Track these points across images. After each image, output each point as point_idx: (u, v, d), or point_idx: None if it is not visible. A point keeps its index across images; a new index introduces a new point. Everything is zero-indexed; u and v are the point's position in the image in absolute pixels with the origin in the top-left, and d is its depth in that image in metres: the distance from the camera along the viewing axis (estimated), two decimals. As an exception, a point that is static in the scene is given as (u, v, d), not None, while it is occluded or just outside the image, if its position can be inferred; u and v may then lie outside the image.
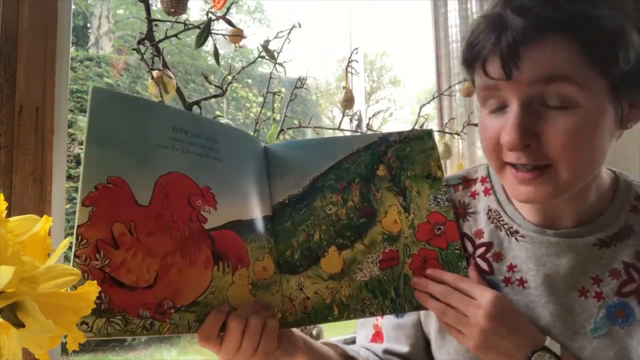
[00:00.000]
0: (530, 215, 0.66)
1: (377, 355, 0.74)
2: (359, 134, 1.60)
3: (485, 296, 0.60)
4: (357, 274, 0.65)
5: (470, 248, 0.69)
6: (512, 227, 0.67)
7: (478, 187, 0.72)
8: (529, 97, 0.54)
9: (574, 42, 0.51)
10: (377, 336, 0.76)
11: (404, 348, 0.72)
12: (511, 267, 0.66)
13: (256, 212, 0.64)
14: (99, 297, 0.46)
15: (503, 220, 0.67)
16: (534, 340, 0.59)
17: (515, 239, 0.66)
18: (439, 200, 0.68)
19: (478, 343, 0.59)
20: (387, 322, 0.75)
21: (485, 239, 0.68)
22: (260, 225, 0.64)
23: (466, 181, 0.74)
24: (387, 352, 0.73)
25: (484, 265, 0.67)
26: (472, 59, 0.57)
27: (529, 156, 0.55)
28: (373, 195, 0.68)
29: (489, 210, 0.69)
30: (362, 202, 0.68)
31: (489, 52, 0.54)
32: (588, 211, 0.63)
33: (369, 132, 1.40)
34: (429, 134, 0.72)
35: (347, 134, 1.53)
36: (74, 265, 0.46)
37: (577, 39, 0.51)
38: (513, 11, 0.52)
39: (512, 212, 0.67)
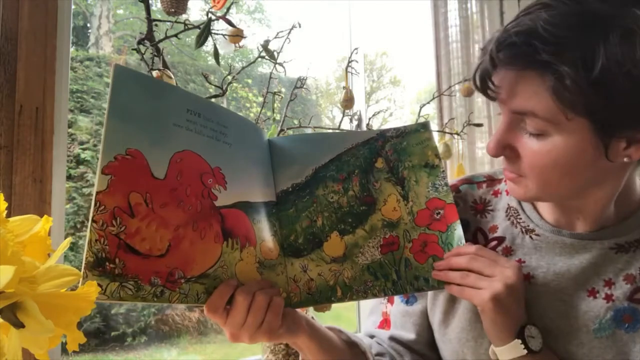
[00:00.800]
0: (548, 216, 0.67)
1: (382, 341, 0.75)
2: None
3: (512, 264, 0.60)
4: (359, 257, 0.67)
5: (482, 241, 0.70)
6: (528, 226, 0.68)
7: (502, 186, 0.74)
8: (511, 120, 0.58)
9: (546, 83, 0.52)
10: (385, 323, 0.77)
11: (410, 335, 0.73)
12: (519, 262, 0.66)
13: (262, 197, 0.66)
14: (112, 262, 0.48)
15: (520, 218, 0.69)
16: (523, 315, 0.61)
17: (530, 237, 0.67)
18: (437, 186, 0.70)
19: (494, 299, 0.58)
20: (395, 309, 0.76)
21: (498, 233, 0.70)
22: (266, 209, 0.66)
23: (491, 180, 0.75)
24: (392, 338, 0.74)
25: None
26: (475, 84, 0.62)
27: (507, 163, 0.61)
28: (372, 185, 0.70)
29: (509, 207, 0.71)
30: (362, 192, 0.70)
31: (480, 83, 0.59)
32: (608, 218, 0.63)
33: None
34: (424, 125, 0.73)
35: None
36: (90, 230, 0.47)
37: (549, 81, 0.52)
38: (497, 44, 0.55)
39: (530, 211, 0.69)
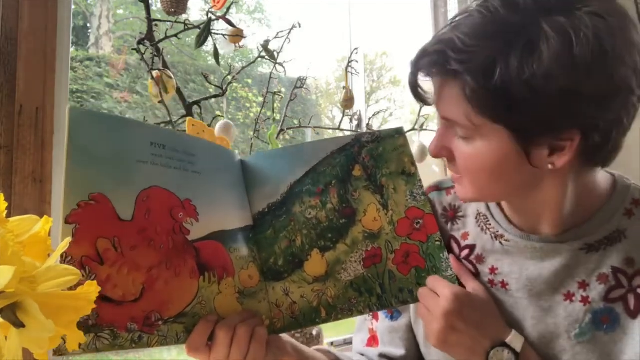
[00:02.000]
0: (515, 221, 0.66)
1: (372, 359, 0.74)
2: (344, 134, 1.60)
3: (444, 292, 0.61)
4: (342, 274, 0.66)
5: (456, 250, 0.70)
6: (497, 231, 0.67)
7: None
8: (444, 124, 0.60)
9: (462, 91, 0.54)
10: (373, 340, 0.76)
11: (399, 351, 0.72)
12: (493, 270, 0.66)
13: (237, 222, 0.64)
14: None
15: (490, 224, 0.68)
16: (495, 335, 0.60)
17: (500, 242, 0.66)
18: (415, 195, 0.69)
19: (437, 339, 0.60)
20: (381, 325, 0.75)
21: (469, 241, 0.69)
22: (242, 235, 0.64)
23: None
24: (382, 356, 0.73)
25: (470, 268, 0.68)
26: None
27: (449, 165, 0.63)
28: (351, 195, 0.69)
29: (478, 214, 0.70)
30: (341, 203, 0.69)
31: (412, 89, 0.62)
32: (569, 219, 0.62)
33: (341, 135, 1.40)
34: (399, 131, 0.73)
35: (347, 133, 1.53)
36: None
37: (463, 88, 0.53)
38: (420, 52, 0.58)
39: (499, 216, 0.68)
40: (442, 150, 0.61)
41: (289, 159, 0.70)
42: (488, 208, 0.69)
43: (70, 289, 0.37)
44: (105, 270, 0.49)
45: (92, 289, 0.37)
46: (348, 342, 1.40)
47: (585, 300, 0.61)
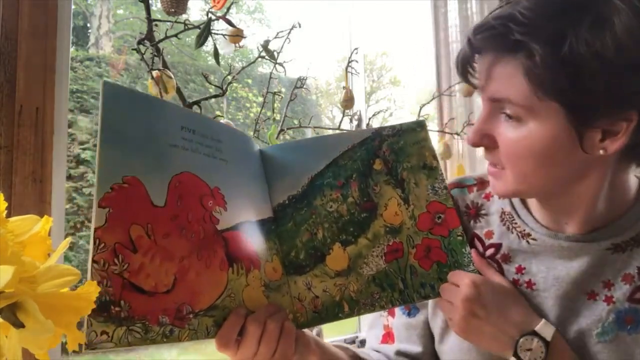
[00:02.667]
0: (542, 218, 0.66)
1: (389, 357, 0.73)
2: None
3: (463, 280, 0.61)
4: (364, 269, 0.65)
5: (480, 248, 0.69)
6: (524, 230, 0.66)
7: None
8: (491, 107, 0.59)
9: (522, 68, 0.53)
10: (388, 336, 0.75)
11: (417, 348, 0.72)
12: (520, 269, 0.65)
13: (260, 214, 0.63)
14: (118, 304, 0.44)
15: (516, 223, 0.67)
16: (523, 323, 0.59)
17: (527, 241, 0.66)
18: (436, 189, 0.69)
19: (459, 327, 0.60)
20: (397, 321, 0.74)
21: (494, 239, 0.68)
22: (265, 227, 0.63)
23: (481, 182, 0.74)
24: (399, 353, 0.73)
25: (494, 267, 0.67)
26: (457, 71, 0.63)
27: (488, 155, 0.62)
28: (372, 189, 0.68)
29: (503, 212, 0.69)
30: (362, 197, 0.68)
31: (461, 70, 0.61)
32: (598, 218, 0.62)
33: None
34: (420, 124, 0.72)
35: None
36: (92, 271, 0.43)
37: (524, 65, 0.52)
38: (473, 31, 0.56)
39: (525, 215, 0.67)
40: (484, 138, 0.59)
41: (309, 151, 0.70)
42: (513, 206, 0.68)
43: (70, 289, 0.37)
44: (139, 259, 0.47)
45: (92, 289, 0.37)
46: (348, 342, 1.40)
47: (609, 300, 0.61)
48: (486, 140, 0.59)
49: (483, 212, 0.71)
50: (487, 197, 0.72)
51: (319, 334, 1.16)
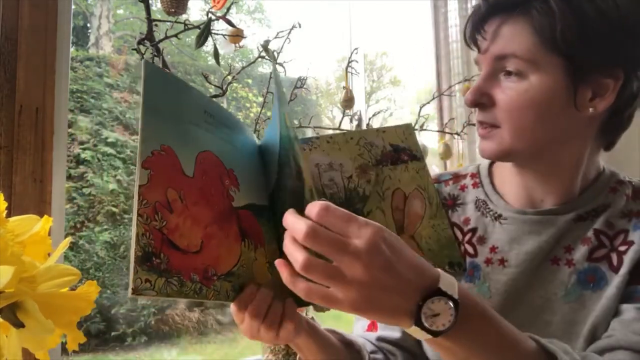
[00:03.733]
0: (514, 201, 0.71)
1: (372, 342, 0.76)
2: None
3: (364, 234, 0.42)
4: None
5: (460, 236, 0.74)
6: (496, 212, 0.72)
7: (467, 181, 0.78)
8: (493, 68, 0.63)
9: (529, 23, 0.59)
10: (373, 325, 0.78)
11: (395, 334, 0.74)
12: (493, 249, 0.70)
13: (262, 200, 0.67)
14: (158, 257, 0.47)
15: (489, 208, 0.73)
16: (425, 281, 0.44)
17: (499, 222, 0.71)
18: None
19: (358, 303, 0.43)
20: None
21: (471, 225, 0.73)
22: (265, 212, 0.67)
23: (456, 177, 0.80)
24: (380, 339, 0.75)
25: (470, 249, 0.72)
26: (465, 35, 0.68)
27: (482, 114, 0.65)
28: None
29: (477, 200, 0.75)
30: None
31: (470, 31, 0.66)
32: (568, 194, 0.68)
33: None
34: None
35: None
36: (136, 224, 0.47)
37: (531, 21, 0.59)
38: None
39: (497, 200, 0.73)
40: (483, 96, 0.64)
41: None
42: (486, 195, 0.74)
43: (70, 289, 0.37)
44: (174, 219, 0.51)
45: (92, 289, 0.37)
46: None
47: (570, 263, 0.66)
48: (485, 98, 0.64)
49: (459, 202, 0.77)
50: (463, 188, 0.78)
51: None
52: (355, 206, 0.68)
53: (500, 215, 0.71)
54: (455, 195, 0.78)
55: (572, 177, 0.67)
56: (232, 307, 0.58)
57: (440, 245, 0.69)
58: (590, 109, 0.61)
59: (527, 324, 0.59)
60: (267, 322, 0.56)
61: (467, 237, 0.73)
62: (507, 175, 0.73)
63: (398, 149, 0.72)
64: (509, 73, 0.62)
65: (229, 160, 0.62)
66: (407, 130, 0.74)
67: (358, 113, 1.56)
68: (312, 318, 0.71)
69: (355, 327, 0.81)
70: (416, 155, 0.72)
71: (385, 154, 0.71)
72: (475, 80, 0.67)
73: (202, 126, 0.60)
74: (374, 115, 1.54)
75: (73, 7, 0.96)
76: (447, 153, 1.62)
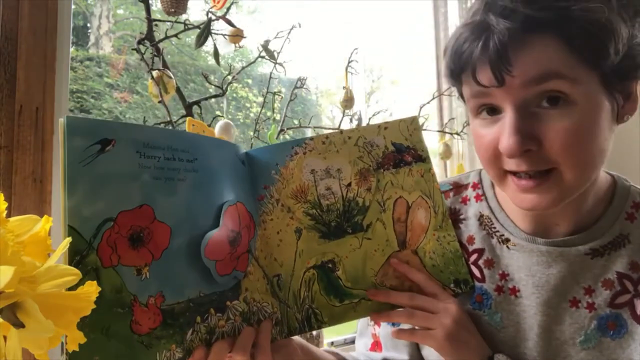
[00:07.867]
0: (523, 223, 0.64)
1: None
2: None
3: (451, 297, 0.63)
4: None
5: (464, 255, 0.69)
6: (503, 235, 0.65)
7: (469, 192, 0.71)
8: (523, 99, 0.52)
9: (560, 39, 0.50)
10: (376, 345, 0.75)
11: (403, 356, 0.71)
12: (504, 276, 0.64)
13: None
14: None
15: (495, 228, 0.66)
16: (482, 351, 0.61)
17: (507, 247, 0.64)
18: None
19: (450, 331, 0.59)
20: (383, 331, 0.74)
21: (477, 245, 0.67)
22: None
23: (457, 187, 0.73)
24: None
25: (477, 272, 0.66)
26: (460, 68, 0.55)
27: (530, 162, 0.53)
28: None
29: (481, 216, 0.68)
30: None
31: (477, 59, 0.52)
32: (584, 218, 0.61)
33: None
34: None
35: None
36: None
37: (563, 36, 0.50)
38: (496, 15, 0.51)
39: (504, 219, 0.66)
40: (528, 141, 0.52)
41: (279, 148, 0.66)
42: (491, 210, 0.67)
43: (70, 289, 0.37)
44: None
45: (92, 289, 0.37)
46: (348, 342, 1.40)
47: (590, 306, 0.60)
48: (532, 143, 0.52)
49: (462, 216, 0.70)
50: (464, 200, 0.71)
51: (319, 335, 1.16)
52: (354, 219, 0.64)
53: (507, 240, 0.65)
54: (457, 209, 0.71)
55: (587, 194, 0.60)
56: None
57: (446, 260, 0.65)
58: (626, 117, 0.56)
59: None
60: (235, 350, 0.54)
61: (472, 258, 0.67)
62: None
63: (401, 149, 0.67)
64: (552, 101, 0.52)
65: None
66: (413, 125, 0.68)
67: (358, 113, 1.56)
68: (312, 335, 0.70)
69: (358, 344, 0.78)
70: (421, 156, 0.67)
71: (386, 155, 0.66)
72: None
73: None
74: (373, 115, 1.54)
75: (73, 7, 0.96)
76: (447, 153, 1.62)
